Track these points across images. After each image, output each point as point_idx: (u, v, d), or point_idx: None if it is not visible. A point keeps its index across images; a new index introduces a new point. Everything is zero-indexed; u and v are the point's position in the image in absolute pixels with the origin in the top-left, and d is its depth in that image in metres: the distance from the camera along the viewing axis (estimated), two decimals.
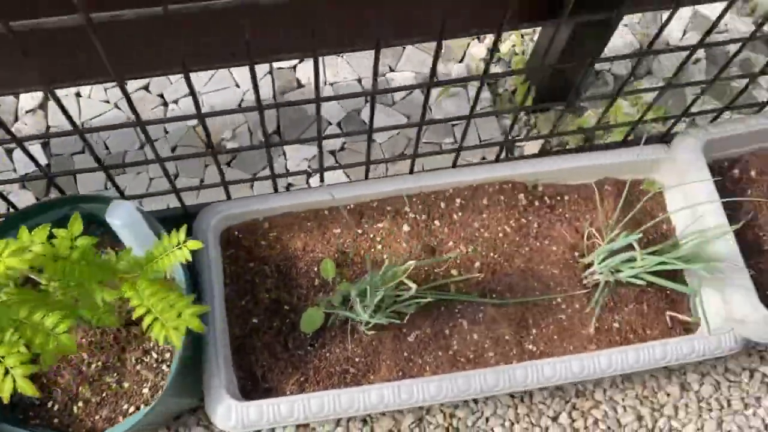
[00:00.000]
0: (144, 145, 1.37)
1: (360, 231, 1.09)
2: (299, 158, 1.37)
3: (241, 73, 1.43)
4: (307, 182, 1.35)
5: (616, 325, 1.05)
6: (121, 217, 0.92)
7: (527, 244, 1.10)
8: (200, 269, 1.03)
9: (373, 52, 1.48)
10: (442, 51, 1.49)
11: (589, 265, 1.06)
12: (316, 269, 1.06)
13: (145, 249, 0.82)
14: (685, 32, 1.51)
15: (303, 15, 0.80)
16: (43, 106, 1.40)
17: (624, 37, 1.49)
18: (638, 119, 1.11)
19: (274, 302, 1.04)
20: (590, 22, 1.12)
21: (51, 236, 0.74)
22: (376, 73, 0.85)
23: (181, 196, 1.23)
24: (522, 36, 1.49)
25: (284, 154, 1.37)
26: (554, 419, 1.21)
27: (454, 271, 1.07)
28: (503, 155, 1.42)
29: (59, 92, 1.40)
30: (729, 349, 1.02)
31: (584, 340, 1.04)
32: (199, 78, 1.42)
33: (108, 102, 1.40)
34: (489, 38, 1.50)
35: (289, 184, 1.35)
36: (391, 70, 1.45)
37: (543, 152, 1.35)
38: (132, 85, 1.41)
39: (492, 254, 1.09)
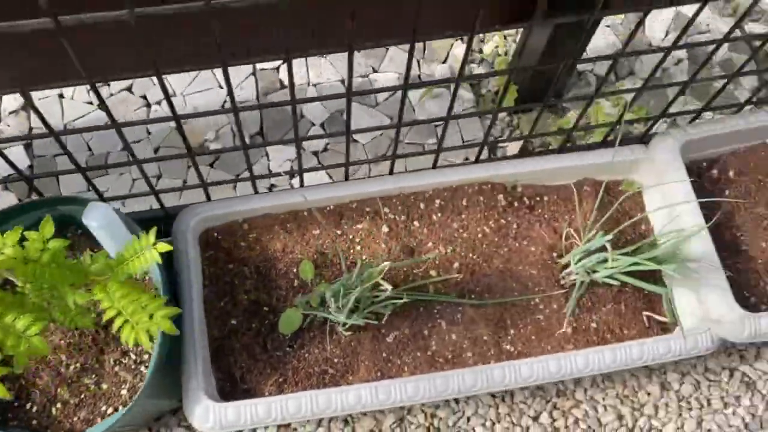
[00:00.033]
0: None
1: (339, 232, 1.09)
2: (282, 159, 1.37)
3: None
4: (290, 183, 1.35)
5: (593, 325, 1.06)
6: (97, 219, 0.92)
7: (506, 244, 1.10)
8: (179, 271, 1.03)
9: (356, 53, 1.48)
10: (425, 52, 1.49)
11: (567, 265, 1.06)
12: (295, 270, 1.06)
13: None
14: (667, 33, 1.52)
15: (275, 17, 0.81)
16: (26, 107, 1.40)
17: (607, 37, 1.50)
18: (616, 120, 1.11)
19: (253, 303, 1.04)
20: (569, 24, 1.13)
21: (25, 239, 0.75)
22: (350, 76, 0.86)
23: (160, 197, 1.23)
24: (505, 37, 1.49)
25: (267, 155, 1.37)
26: (535, 419, 1.22)
27: (433, 272, 1.08)
28: (486, 156, 1.43)
29: (42, 94, 1.40)
30: (705, 348, 1.03)
31: (562, 340, 1.05)
32: (182, 79, 1.42)
33: (91, 103, 1.40)
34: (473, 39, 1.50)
35: (272, 185, 1.35)
36: (374, 71, 1.45)
37: (524, 153, 1.35)
38: (115, 86, 1.41)
39: (471, 255, 1.09)
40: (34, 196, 1.34)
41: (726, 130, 1.13)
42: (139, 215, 1.19)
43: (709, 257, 1.03)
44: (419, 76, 1.46)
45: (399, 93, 1.44)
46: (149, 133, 1.38)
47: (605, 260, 0.98)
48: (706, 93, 1.46)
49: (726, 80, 1.07)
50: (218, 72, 1.43)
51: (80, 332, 1.00)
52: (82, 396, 0.99)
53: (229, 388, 1.01)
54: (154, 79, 1.43)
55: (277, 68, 1.44)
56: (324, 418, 1.19)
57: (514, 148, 1.42)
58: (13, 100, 1.40)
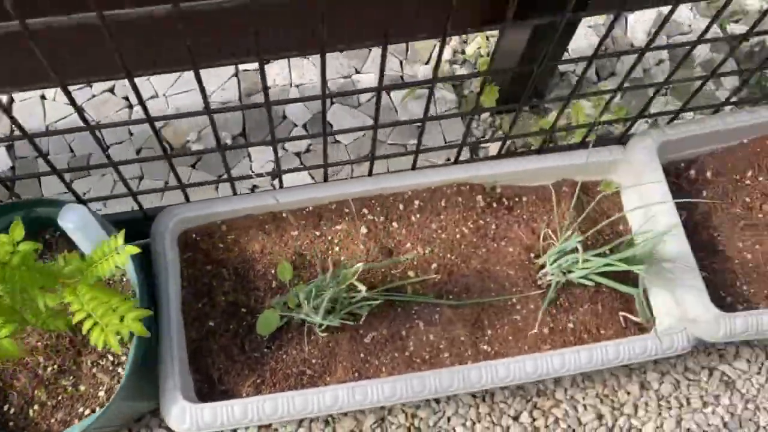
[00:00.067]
0: (108, 147, 1.37)
1: (318, 233, 1.09)
2: (264, 160, 1.37)
3: (208, 74, 1.43)
4: (272, 184, 1.36)
5: (570, 325, 1.06)
6: (72, 221, 0.92)
7: (484, 245, 1.11)
8: (157, 272, 1.03)
9: (338, 54, 1.49)
10: (408, 53, 1.49)
11: (544, 265, 1.07)
12: (273, 272, 1.06)
13: None
14: (649, 34, 1.52)
15: (247, 19, 0.81)
16: (7, 109, 1.40)
17: (589, 38, 1.51)
18: (593, 122, 1.12)
19: (232, 305, 1.05)
20: (546, 26, 1.13)
21: None
22: (323, 78, 0.86)
23: (141, 198, 1.23)
24: (487, 38, 1.49)
25: (249, 155, 1.38)
26: (515, 418, 1.22)
27: (411, 273, 1.08)
28: (469, 156, 1.44)
29: (25, 95, 1.40)
30: (682, 348, 1.03)
31: (538, 340, 1.05)
32: (165, 80, 1.42)
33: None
34: (456, 40, 1.51)
35: (254, 186, 1.35)
36: (357, 72, 1.46)
37: (507, 153, 1.36)
38: (97, 87, 1.41)
39: (449, 255, 1.10)
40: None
41: (703, 131, 1.14)
42: (120, 216, 1.19)
43: (684, 257, 1.04)
44: (402, 77, 1.46)
45: (382, 94, 1.44)
46: (131, 134, 1.38)
47: (584, 260, 0.98)
48: (688, 93, 1.47)
49: (703, 81, 1.08)
50: (201, 73, 1.43)
51: (57, 334, 1.00)
52: (60, 397, 0.99)
53: (207, 389, 1.01)
54: (138, 79, 1.44)
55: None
56: (305, 419, 1.19)
57: (496, 148, 1.42)
58: None
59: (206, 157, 1.37)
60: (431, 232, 1.11)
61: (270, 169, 1.37)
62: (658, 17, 1.54)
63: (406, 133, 1.42)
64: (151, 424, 1.17)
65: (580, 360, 1.01)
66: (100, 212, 1.33)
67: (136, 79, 1.43)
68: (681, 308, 1.03)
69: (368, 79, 1.45)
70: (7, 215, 1.00)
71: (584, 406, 1.24)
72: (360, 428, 1.19)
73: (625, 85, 1.46)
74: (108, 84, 1.41)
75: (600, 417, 1.23)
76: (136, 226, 1.13)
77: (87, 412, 0.98)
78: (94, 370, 0.99)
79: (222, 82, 1.43)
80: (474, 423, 1.22)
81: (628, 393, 1.25)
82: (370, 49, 1.48)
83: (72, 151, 1.36)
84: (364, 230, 1.10)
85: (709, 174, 1.16)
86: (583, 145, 1.21)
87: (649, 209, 1.08)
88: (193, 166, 1.36)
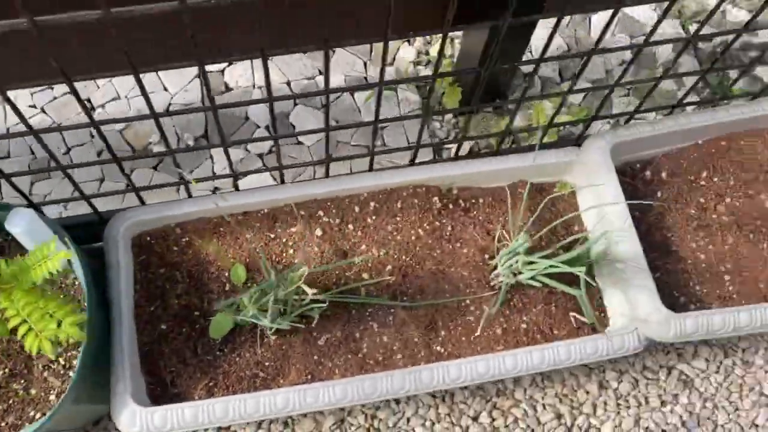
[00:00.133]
0: (69, 150, 1.37)
1: (272, 235, 1.10)
2: (226, 161, 1.37)
3: (170, 77, 1.43)
4: (235, 185, 1.35)
5: (523, 325, 1.07)
6: (20, 225, 0.92)
7: (440, 246, 1.11)
8: (109, 276, 1.03)
9: (302, 55, 1.49)
10: (372, 54, 1.49)
11: (497, 267, 1.07)
12: (227, 274, 1.06)
13: None
14: (613, 34, 1.53)
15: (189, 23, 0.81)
16: None
17: (554, 39, 1.51)
18: (548, 124, 1.12)
19: (184, 308, 1.05)
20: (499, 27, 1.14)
21: None
22: (268, 82, 0.86)
23: (101, 201, 1.23)
24: (452, 40, 1.50)
25: (211, 157, 1.37)
26: (475, 419, 1.23)
27: (365, 275, 1.08)
28: (432, 157, 1.44)
29: None
30: (633, 348, 1.04)
31: (492, 340, 1.06)
32: (126, 82, 1.42)
33: (35, 107, 1.40)
34: (420, 41, 1.51)
35: (216, 188, 1.35)
36: (320, 73, 1.46)
37: (469, 154, 1.36)
38: (59, 89, 1.41)
39: (404, 257, 1.10)
40: None
41: (658, 132, 1.14)
42: (79, 219, 1.19)
43: (636, 258, 1.04)
44: (366, 78, 1.46)
45: (345, 95, 1.45)
46: (92, 136, 1.38)
47: (530, 262, 0.99)
48: (654, 93, 1.48)
49: (656, 81, 1.09)
50: (163, 75, 1.43)
51: (8, 338, 1.00)
52: (11, 401, 0.98)
53: (160, 392, 1.01)
54: (99, 82, 1.44)
55: (222, 71, 1.44)
56: (264, 420, 1.20)
57: (462, 148, 1.42)
58: None
59: (168, 159, 1.36)
60: (387, 234, 1.11)
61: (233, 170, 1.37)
62: (624, 17, 1.55)
63: (369, 134, 1.42)
64: (109, 427, 1.16)
65: (532, 360, 1.02)
66: (61, 215, 1.33)
67: (100, 81, 1.43)
68: (633, 308, 1.04)
69: (333, 80, 1.45)
70: None
71: (543, 405, 1.24)
72: (319, 429, 1.20)
73: (583, 86, 1.47)
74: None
75: (559, 416, 1.23)
76: (94, 229, 1.13)
77: (38, 415, 0.98)
78: (46, 373, 0.99)
79: (185, 83, 1.42)
80: (433, 423, 1.22)
81: (587, 392, 1.25)
82: (334, 50, 1.48)
83: (33, 153, 1.36)
84: (319, 232, 1.10)
85: (664, 175, 1.17)
86: (540, 146, 1.21)
87: (603, 210, 1.08)
88: (155, 168, 1.36)
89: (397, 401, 1.23)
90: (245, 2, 0.70)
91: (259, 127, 1.40)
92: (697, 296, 1.09)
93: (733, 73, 1.50)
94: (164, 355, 1.02)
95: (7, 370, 0.99)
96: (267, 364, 1.03)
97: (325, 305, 0.96)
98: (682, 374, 1.27)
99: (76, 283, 1.03)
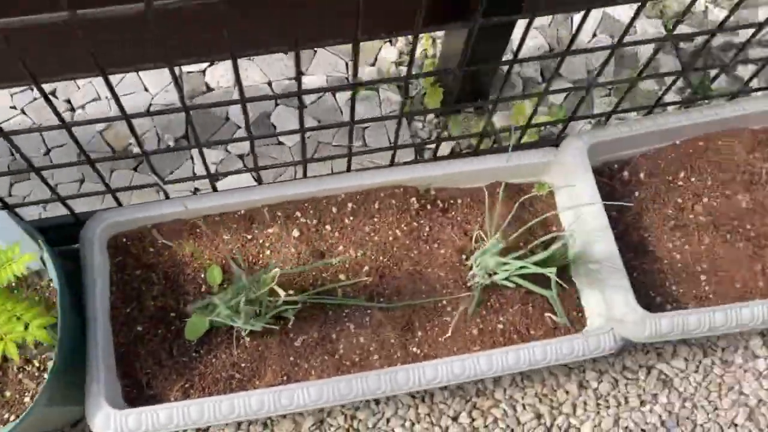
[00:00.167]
0: (49, 151, 1.36)
1: (249, 236, 1.09)
2: (207, 162, 1.36)
3: (151, 77, 1.42)
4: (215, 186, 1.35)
5: (500, 326, 1.07)
6: None
7: (417, 247, 1.11)
8: (85, 277, 1.03)
9: (283, 55, 1.49)
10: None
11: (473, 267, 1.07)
12: (203, 276, 1.06)
13: None
14: (595, 34, 1.53)
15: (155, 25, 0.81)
16: None
17: (535, 39, 1.51)
18: (526, 124, 1.12)
19: (160, 309, 1.04)
20: (483, 29, 1.14)
21: None
22: (239, 83, 0.86)
23: (80, 202, 1.23)
24: (434, 40, 1.50)
25: (192, 158, 1.37)
26: (454, 419, 1.23)
27: (342, 276, 1.08)
28: (414, 158, 1.44)
29: None
30: (609, 348, 1.04)
31: (468, 341, 1.06)
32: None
33: (15, 108, 1.39)
34: (401, 42, 1.51)
35: (196, 189, 1.35)
36: (302, 74, 1.45)
37: (451, 155, 1.36)
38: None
39: (381, 258, 1.10)
40: None
41: (635, 132, 1.14)
42: (57, 221, 1.19)
43: (612, 258, 1.04)
44: (347, 79, 1.46)
45: (327, 96, 1.45)
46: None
47: (503, 263, 0.99)
48: (637, 94, 1.48)
49: (631, 82, 1.09)
50: (143, 75, 1.43)
51: None
52: None
53: (135, 394, 1.01)
54: (79, 82, 1.43)
55: (204, 71, 1.44)
56: (243, 422, 1.19)
57: (444, 148, 1.42)
58: None
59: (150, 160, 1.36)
60: (364, 235, 1.11)
61: (213, 171, 1.37)
62: (605, 17, 1.55)
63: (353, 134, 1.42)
64: (87, 429, 1.16)
65: (508, 361, 1.02)
66: (41, 216, 1.33)
67: (80, 81, 1.42)
68: (609, 308, 1.04)
69: (314, 80, 1.45)
70: None
71: (523, 405, 1.24)
72: (298, 430, 1.19)
73: (564, 86, 1.47)
74: (49, 87, 1.40)
75: (539, 416, 1.24)
76: (72, 231, 1.13)
77: (12, 418, 0.97)
78: (20, 375, 0.99)
79: (165, 83, 1.42)
80: (413, 424, 1.22)
81: (567, 392, 1.26)
82: (315, 51, 1.47)
83: (13, 154, 1.35)
84: (296, 233, 1.10)
85: (642, 175, 1.17)
86: (520, 146, 1.21)
87: (579, 211, 1.09)
88: (135, 169, 1.36)
89: (377, 401, 1.23)
90: (212, 3, 0.70)
91: (239, 127, 1.40)
92: (673, 296, 1.09)
93: (713, 74, 1.50)
94: (140, 356, 1.02)
95: None
96: (243, 365, 1.03)
97: (297, 306, 0.95)
98: (662, 374, 1.27)
99: (51, 285, 1.03)
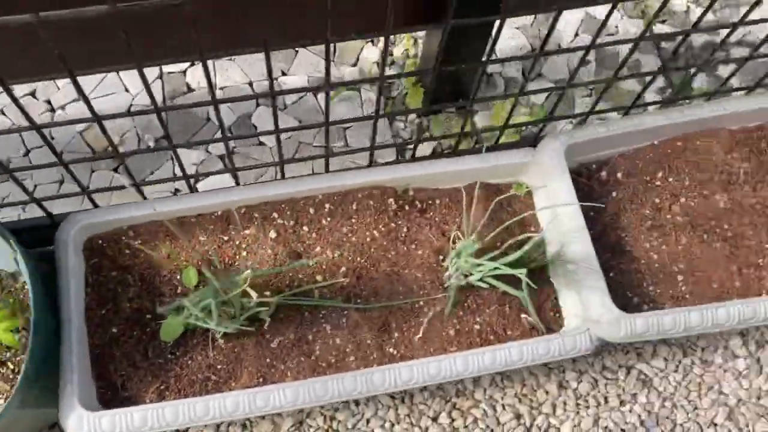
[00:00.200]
0: (29, 152, 1.36)
1: (226, 238, 1.09)
2: (188, 163, 1.36)
3: (131, 77, 1.42)
4: (195, 187, 1.35)
5: (476, 326, 1.07)
6: None
7: (394, 248, 1.11)
8: (60, 279, 1.02)
9: (263, 55, 1.48)
10: (336, 55, 1.49)
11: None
12: (179, 277, 1.06)
13: None
14: (577, 34, 1.53)
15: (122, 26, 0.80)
16: None
17: (517, 39, 1.51)
18: (504, 125, 1.12)
19: (136, 311, 1.04)
20: (460, 30, 1.14)
21: None
22: (210, 84, 0.86)
23: (58, 204, 1.22)
24: (415, 40, 1.50)
25: (172, 158, 1.37)
26: (434, 419, 1.23)
27: (319, 277, 1.08)
28: (395, 158, 1.44)
29: None
30: (585, 349, 1.04)
31: (445, 342, 1.06)
32: (87, 83, 1.41)
33: None
34: (383, 41, 1.51)
35: (176, 189, 1.34)
36: (283, 74, 1.45)
37: (434, 155, 1.36)
38: (18, 90, 1.40)
39: (359, 259, 1.10)
40: None
41: (613, 133, 1.14)
42: (34, 222, 1.18)
43: (588, 259, 1.05)
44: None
45: (308, 96, 1.44)
46: (53, 138, 1.37)
47: (479, 264, 0.99)
48: (618, 94, 1.48)
49: (608, 82, 1.09)
50: (124, 75, 1.42)
51: None
52: None
53: (110, 396, 1.01)
54: (59, 83, 1.43)
55: (184, 72, 1.43)
56: (222, 423, 1.19)
57: (424, 149, 1.42)
58: None
59: (128, 161, 1.36)
60: (342, 236, 1.11)
61: (194, 171, 1.36)
62: (587, 17, 1.55)
63: (334, 134, 1.42)
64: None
65: (484, 361, 1.02)
66: (20, 217, 1.32)
67: (60, 82, 1.42)
68: (585, 309, 1.04)
69: (295, 80, 1.45)
70: None
71: (503, 405, 1.24)
72: (277, 431, 1.19)
73: (546, 86, 1.47)
74: (29, 87, 1.40)
75: (518, 417, 1.24)
76: (49, 232, 1.12)
77: None
78: None
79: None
80: (393, 424, 1.22)
81: (547, 392, 1.26)
82: (297, 51, 1.47)
83: None
84: (273, 234, 1.10)
85: (620, 175, 1.17)
86: (500, 147, 1.21)
87: (556, 211, 1.09)
88: (115, 170, 1.36)
89: (357, 402, 1.22)
90: (179, 4, 0.70)
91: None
92: (650, 296, 1.10)
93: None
94: (115, 358, 1.02)
95: None
96: (219, 367, 1.02)
97: (269, 308, 0.95)
98: (641, 374, 1.28)
99: (26, 287, 1.02)
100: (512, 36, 1.51)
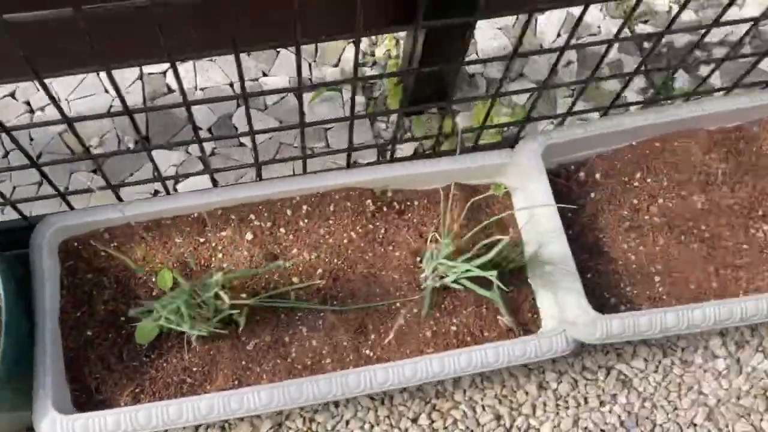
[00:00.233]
0: (8, 153, 1.35)
1: (202, 240, 1.09)
2: (168, 164, 1.36)
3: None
4: (175, 188, 1.35)
5: (453, 328, 1.07)
6: None
7: (372, 249, 1.11)
8: (34, 282, 1.02)
9: (245, 56, 1.47)
10: (317, 55, 1.49)
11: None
12: (154, 279, 1.06)
13: None
14: (559, 34, 1.53)
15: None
16: None
17: (499, 39, 1.51)
18: (481, 125, 1.12)
19: (111, 313, 1.04)
20: (438, 31, 1.14)
21: None
22: (180, 86, 0.85)
23: (36, 205, 1.22)
24: (397, 41, 1.49)
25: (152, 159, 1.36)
26: (414, 420, 1.22)
27: (295, 279, 1.08)
28: (376, 158, 1.44)
29: None
30: (561, 350, 1.04)
31: (422, 343, 1.06)
32: (67, 85, 1.40)
33: None
34: (365, 42, 1.51)
35: (156, 191, 1.34)
36: (264, 75, 1.45)
37: (416, 155, 1.36)
38: None
39: (335, 261, 1.10)
40: None
41: (590, 133, 1.14)
42: (11, 224, 1.18)
43: (565, 260, 1.04)
44: (310, 80, 1.46)
45: (289, 97, 1.44)
46: (32, 139, 1.36)
47: (451, 266, 0.99)
48: (596, 95, 1.48)
49: (584, 83, 1.09)
50: (104, 76, 1.42)
51: None
52: None
53: (85, 399, 1.00)
54: (38, 84, 1.42)
55: (164, 72, 1.43)
56: (201, 425, 1.19)
57: (407, 149, 1.42)
58: None
59: (109, 162, 1.35)
60: (318, 238, 1.11)
61: (173, 173, 1.36)
62: (570, 17, 1.55)
63: (314, 135, 1.42)
64: None
65: (460, 363, 1.02)
66: None
67: (34, 84, 1.40)
68: (561, 310, 1.04)
69: (276, 81, 1.44)
70: None
71: (483, 407, 1.24)
72: None
73: (527, 86, 1.47)
74: (9, 88, 1.39)
75: (498, 418, 1.24)
76: (26, 234, 1.11)
77: None
78: None
79: (127, 85, 1.41)
80: (372, 426, 1.22)
81: (527, 393, 1.26)
82: (278, 52, 1.47)
83: None
84: (249, 236, 1.09)
85: (598, 176, 1.17)
86: (479, 148, 1.21)
87: (533, 212, 1.09)
88: (94, 172, 1.35)
89: (336, 404, 1.22)
90: (144, 7, 0.70)
91: (201, 129, 1.39)
92: (627, 297, 1.10)
93: (675, 73, 1.51)
94: (89, 361, 1.01)
95: None
96: (195, 369, 1.02)
97: (240, 311, 0.95)
98: (621, 374, 1.28)
99: None
100: (494, 36, 1.51)
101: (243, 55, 1.48)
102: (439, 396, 1.24)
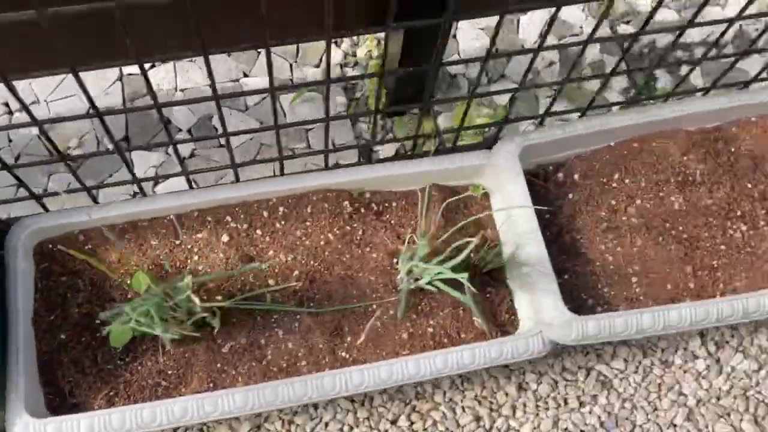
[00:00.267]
0: None
1: (178, 242, 1.08)
2: (146, 165, 1.35)
3: (91, 80, 1.41)
4: (154, 190, 1.34)
5: (430, 330, 1.07)
6: None
7: (349, 251, 1.11)
8: (8, 284, 1.01)
9: (226, 57, 1.47)
10: (299, 56, 1.48)
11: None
12: (129, 282, 1.05)
13: None
14: (541, 35, 1.53)
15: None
16: None
17: (481, 40, 1.51)
18: (459, 126, 1.12)
19: (86, 316, 1.03)
20: (418, 32, 1.13)
21: None
22: (150, 88, 0.85)
23: (12, 207, 1.21)
24: (378, 41, 1.49)
25: (131, 161, 1.36)
26: (393, 422, 1.22)
27: (271, 281, 1.07)
28: (357, 160, 1.43)
29: None
30: (537, 351, 1.04)
31: (398, 345, 1.05)
32: (46, 86, 1.40)
33: None
34: (347, 42, 1.50)
35: (135, 192, 1.33)
36: (245, 76, 1.44)
37: (397, 156, 1.36)
38: None
39: (312, 262, 1.09)
40: None
41: (569, 134, 1.14)
42: None
43: (542, 262, 1.04)
44: (291, 80, 1.45)
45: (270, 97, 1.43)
46: (10, 140, 1.35)
47: (425, 268, 0.99)
48: (578, 95, 1.48)
49: (561, 84, 1.08)
50: (83, 77, 1.41)
51: None
52: None
53: (58, 403, 1.00)
54: (17, 85, 1.41)
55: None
56: (179, 428, 1.18)
57: (389, 150, 1.42)
58: None
59: (88, 163, 1.35)
60: (295, 239, 1.10)
61: (153, 174, 1.35)
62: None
63: (295, 136, 1.41)
64: None
65: (436, 364, 1.02)
66: None
67: (18, 84, 1.40)
68: (537, 312, 1.04)
69: (257, 82, 1.44)
70: None
71: (463, 408, 1.24)
72: None
73: (509, 86, 1.46)
74: None
75: (478, 419, 1.23)
76: (2, 236, 1.11)
77: None
78: None
79: (107, 86, 1.40)
80: (352, 428, 1.21)
81: (507, 394, 1.25)
82: (259, 52, 1.46)
83: None
84: (225, 238, 1.09)
85: (576, 177, 1.17)
86: (459, 149, 1.21)
87: (510, 213, 1.08)
88: (73, 173, 1.34)
89: (315, 406, 1.22)
90: (110, 8, 0.69)
91: (180, 130, 1.38)
92: (604, 298, 1.09)
93: (657, 74, 1.51)
94: (63, 364, 1.01)
95: None
96: (170, 372, 1.02)
97: (211, 313, 0.94)
98: (601, 375, 1.28)
99: None
100: (476, 37, 1.51)
101: (224, 56, 1.48)
102: (419, 397, 1.24)
